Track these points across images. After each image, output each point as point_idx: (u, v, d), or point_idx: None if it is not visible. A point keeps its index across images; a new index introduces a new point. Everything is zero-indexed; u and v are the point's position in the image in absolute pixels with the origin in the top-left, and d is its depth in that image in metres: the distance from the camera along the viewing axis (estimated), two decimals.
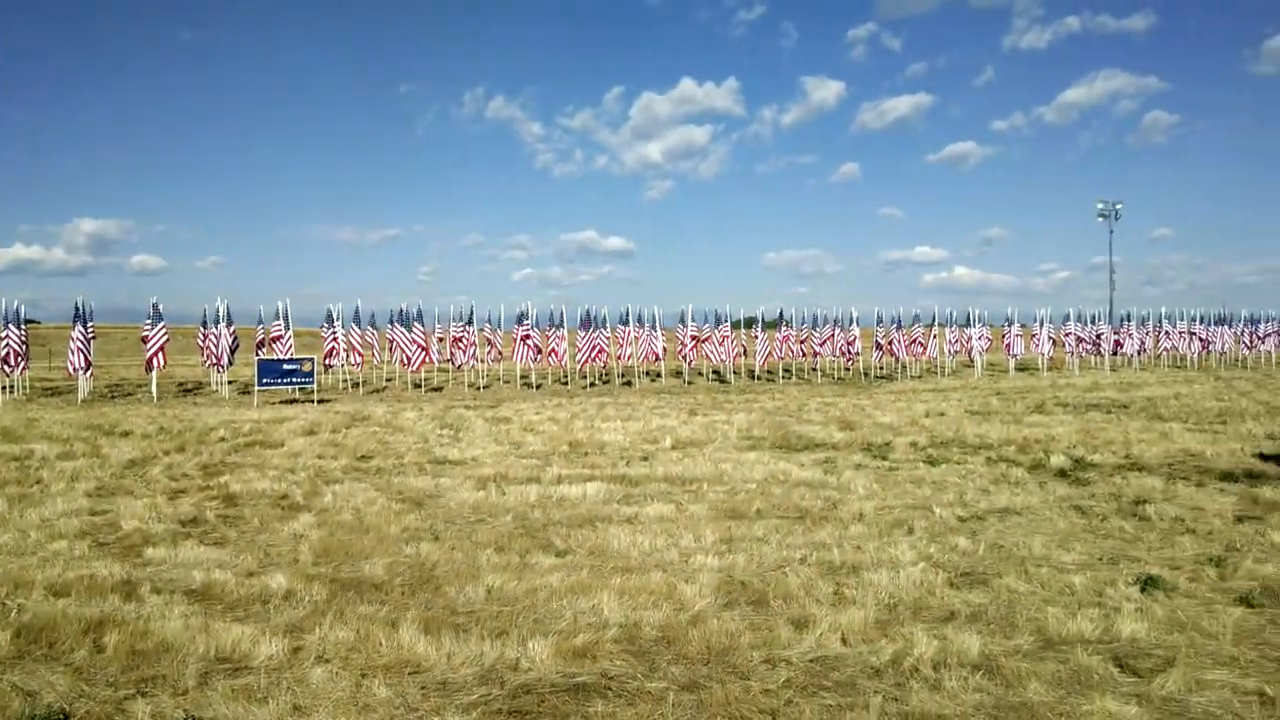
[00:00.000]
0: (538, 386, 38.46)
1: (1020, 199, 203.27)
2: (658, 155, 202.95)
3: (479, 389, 37.29)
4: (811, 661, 6.61)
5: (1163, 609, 7.64)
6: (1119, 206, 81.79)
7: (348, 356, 38.31)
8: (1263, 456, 16.48)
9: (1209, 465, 15.55)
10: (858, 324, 44.85)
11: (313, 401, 32.04)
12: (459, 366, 38.88)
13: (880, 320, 45.31)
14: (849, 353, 44.17)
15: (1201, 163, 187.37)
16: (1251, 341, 53.74)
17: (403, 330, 36.84)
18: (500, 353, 40.30)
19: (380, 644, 7.02)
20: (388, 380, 41.82)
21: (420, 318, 37.02)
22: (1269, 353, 54.39)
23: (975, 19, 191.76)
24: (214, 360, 36.64)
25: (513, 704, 5.98)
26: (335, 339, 37.47)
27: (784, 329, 43.13)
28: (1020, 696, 5.93)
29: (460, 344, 37.52)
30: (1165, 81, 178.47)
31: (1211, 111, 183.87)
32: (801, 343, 43.47)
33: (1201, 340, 52.66)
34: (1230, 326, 54.05)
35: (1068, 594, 8.18)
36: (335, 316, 37.91)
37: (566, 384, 39.03)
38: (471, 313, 38.20)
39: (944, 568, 9.04)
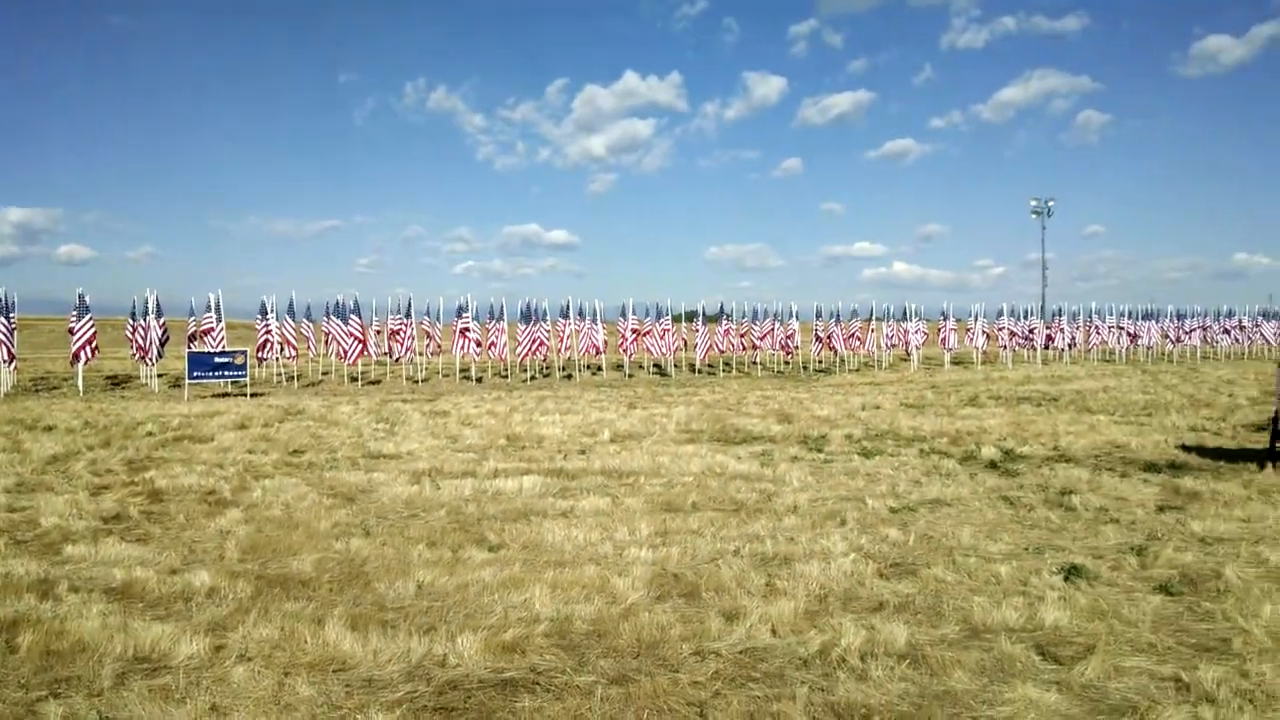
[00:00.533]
0: (478, 380, 38.16)
1: (958, 196, 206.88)
2: (601, 148, 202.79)
3: (417, 382, 36.87)
4: (741, 653, 6.63)
5: (1085, 597, 7.81)
6: (1051, 204, 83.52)
7: (282, 349, 37.61)
8: (1185, 448, 16.94)
9: (1134, 456, 15.94)
10: (797, 318, 45.21)
11: (245, 395, 31.42)
12: (397, 360, 38.40)
13: (820, 314, 45.75)
14: (789, 346, 44.50)
15: (1132, 162, 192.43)
16: (1177, 336, 55.27)
17: (339, 323, 36.27)
18: (439, 346, 39.89)
19: (305, 641, 6.90)
20: (324, 374, 41.17)
21: (358, 310, 36.46)
22: (1194, 347, 56.01)
23: (914, 17, 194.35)
24: (143, 353, 35.72)
25: (439, 700, 5.91)
26: (269, 331, 36.75)
27: (725, 323, 43.32)
28: (944, 685, 6.01)
29: (398, 337, 37.05)
30: (1097, 82, 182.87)
31: (1141, 112, 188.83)
32: (742, 336, 43.70)
33: (1130, 335, 54.01)
34: (1157, 321, 55.53)
35: (994, 583, 8.32)
36: (270, 308, 37.18)
37: (506, 377, 38.79)
38: (409, 305, 37.77)
39: (874, 558, 9.14)
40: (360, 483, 13.61)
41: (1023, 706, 5.63)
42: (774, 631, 7.05)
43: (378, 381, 37.98)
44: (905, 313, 48.06)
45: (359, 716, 5.67)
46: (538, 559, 9.22)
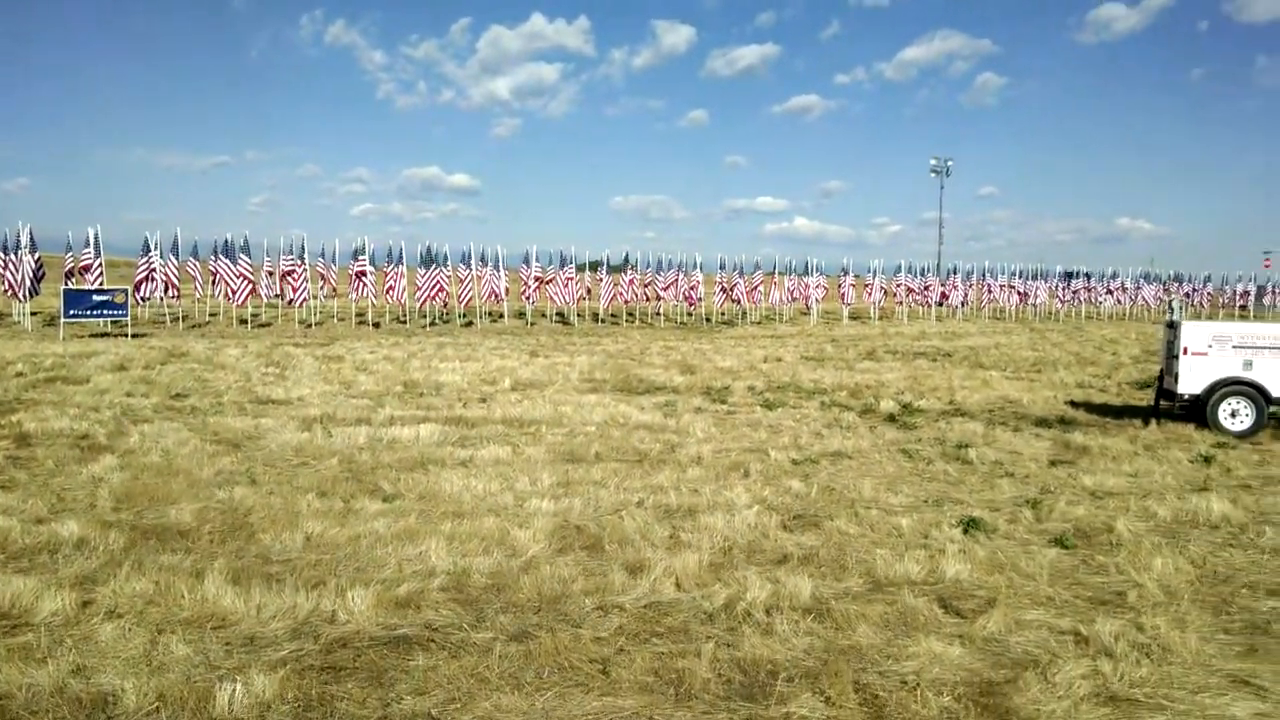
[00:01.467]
0: (375, 325, 37.15)
1: (859, 153, 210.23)
2: (505, 92, 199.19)
3: (310, 326, 35.73)
4: (645, 607, 6.45)
5: (984, 550, 7.86)
6: (950, 163, 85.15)
7: (166, 290, 35.87)
8: (1073, 404, 17.44)
9: (1026, 412, 16.33)
10: (701, 269, 45.23)
11: (126, 336, 29.89)
12: (290, 303, 37.08)
13: (723, 266, 45.85)
14: (692, 298, 44.53)
15: (1026, 125, 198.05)
16: (1064, 296, 57.27)
17: (227, 262, 34.77)
18: (334, 289, 38.68)
19: (182, 596, 6.45)
20: (211, 315, 39.52)
21: (247, 250, 35.03)
22: (1079, 307, 58.15)
23: None
24: (15, 290, 33.64)
25: (326, 659, 5.57)
26: (151, 269, 34.95)
27: (629, 273, 43.05)
28: (849, 639, 5.93)
29: (291, 279, 35.73)
30: (997, 45, 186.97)
31: (1038, 76, 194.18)
32: (646, 286, 43.53)
33: (1020, 294, 55.74)
34: (1046, 281, 57.43)
35: (895, 536, 8.33)
36: (153, 245, 35.33)
37: (405, 323, 37.88)
38: (304, 246, 36.41)
39: (778, 510, 9.07)
40: (247, 429, 12.98)
41: (927, 661, 5.58)
42: (678, 585, 6.89)
43: (268, 324, 36.66)
44: (806, 267, 48.54)
45: (238, 677, 5.28)
46: (435, 510, 8.88)
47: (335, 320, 38.34)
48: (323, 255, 38.02)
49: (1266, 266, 71.64)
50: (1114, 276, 60.38)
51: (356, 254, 36.76)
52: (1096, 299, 59.10)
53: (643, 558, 7.47)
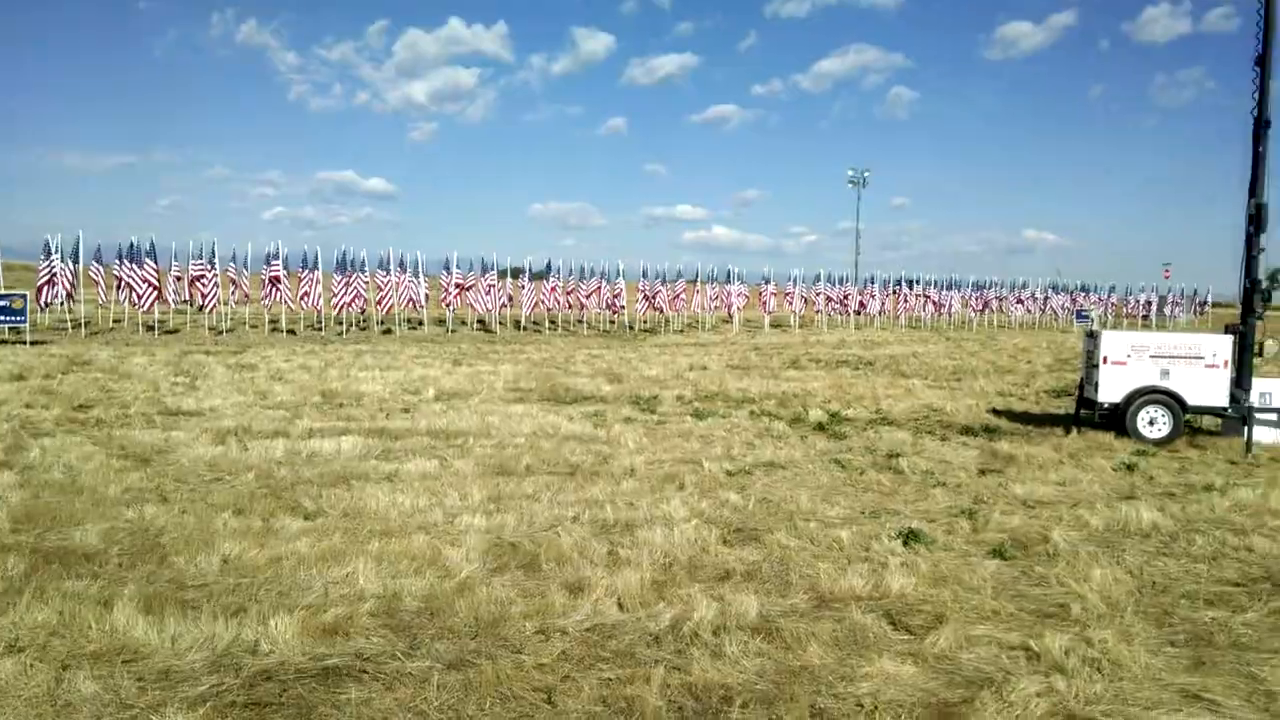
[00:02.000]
0: (289, 332, 36.08)
1: (776, 163, 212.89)
2: (423, 96, 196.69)
3: (222, 333, 34.53)
4: (588, 630, 6.18)
5: (925, 563, 7.79)
6: (867, 174, 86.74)
7: (69, 296, 34.30)
8: (995, 412, 17.70)
9: (950, 420, 16.50)
10: (623, 277, 45.12)
11: (24, 343, 28.45)
12: (200, 309, 35.78)
13: (645, 274, 45.77)
14: (615, 305, 44.35)
15: (937, 138, 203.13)
16: (977, 305, 58.65)
17: (132, 267, 33.39)
18: (247, 295, 37.51)
19: (89, 627, 5.97)
20: (115, 322, 37.93)
21: (153, 254, 33.68)
22: (991, 316, 59.63)
23: None
24: None
25: (250, 694, 5.18)
26: (53, 273, 33.37)
27: (552, 280, 42.68)
28: (801, 660, 5.75)
29: (200, 284, 34.50)
30: (910, 59, 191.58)
31: (948, 90, 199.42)
32: (569, 294, 43.20)
33: (934, 303, 56.90)
34: (959, 291, 58.75)
35: (837, 549, 8.21)
36: (54, 248, 33.72)
37: (321, 330, 36.87)
38: (214, 250, 35.18)
39: (717, 524, 8.88)
40: (156, 442, 12.33)
41: (881, 682, 5.43)
42: (621, 605, 6.64)
43: (176, 331, 35.34)
44: (728, 275, 48.78)
45: (153, 717, 4.87)
46: (360, 528, 8.48)
47: (247, 327, 37.13)
48: (234, 260, 36.84)
49: (1166, 277, 74.48)
50: (1024, 286, 62.07)
51: (270, 259, 35.69)
52: (1008, 308, 60.65)
53: (582, 576, 7.20)
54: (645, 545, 8.07)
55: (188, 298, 36.12)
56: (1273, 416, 14.33)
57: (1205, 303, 71.58)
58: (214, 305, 35.30)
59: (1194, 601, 7.01)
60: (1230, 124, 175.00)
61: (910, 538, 8.50)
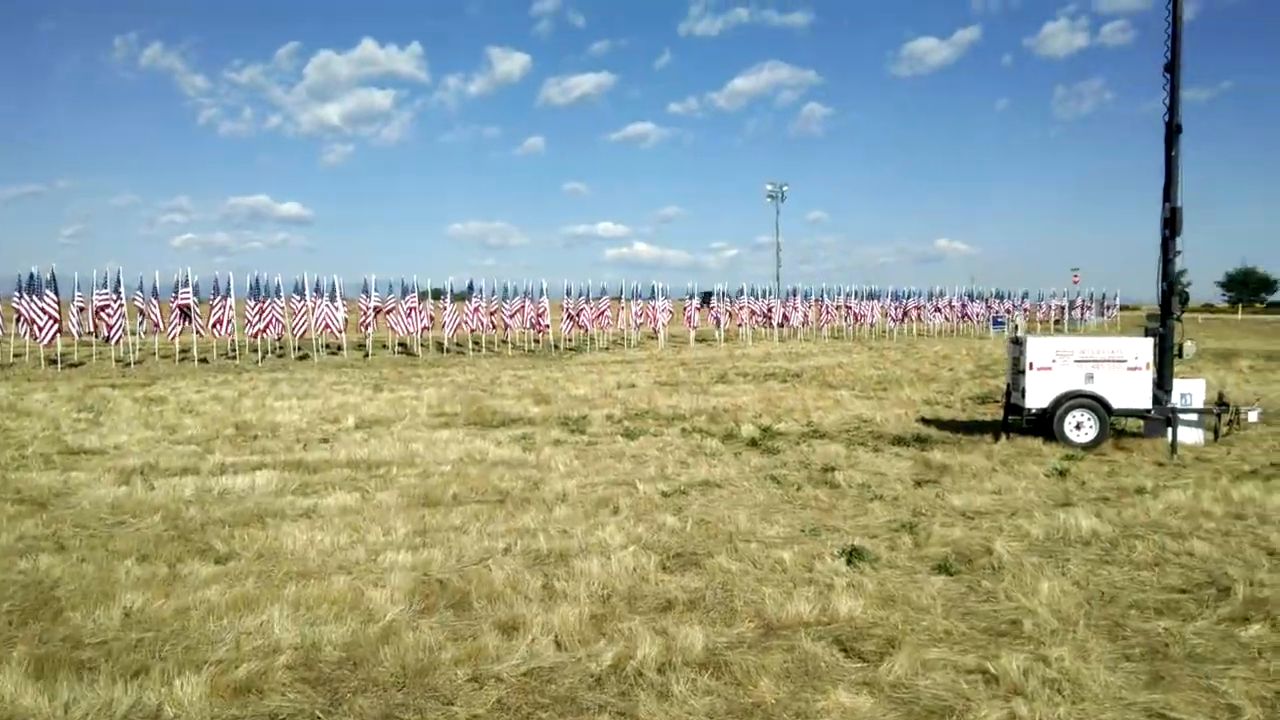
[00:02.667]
0: (202, 361, 34.77)
1: (695, 179, 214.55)
2: (337, 118, 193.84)
3: (129, 365, 33.08)
4: (525, 675, 5.78)
5: (871, 582, 7.56)
6: (785, 189, 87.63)
7: None
8: (924, 421, 17.72)
9: (881, 430, 16.44)
10: (547, 296, 44.62)
11: None
12: (106, 340, 34.27)
13: (569, 292, 45.31)
14: (540, 325, 43.81)
15: (850, 152, 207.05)
16: (896, 315, 59.49)
17: (31, 299, 31.82)
18: (156, 324, 36.06)
19: None
20: (15, 356, 36.14)
21: (54, 285, 32.14)
22: (911, 325, 60.52)
23: (655, 2, 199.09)
24: None
25: None
26: None
27: (474, 300, 41.97)
28: (752, 696, 5.44)
29: (105, 314, 33.03)
30: (822, 76, 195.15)
31: (860, 106, 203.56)
32: (492, 314, 42.52)
33: (855, 314, 57.56)
34: (879, 301, 59.54)
35: (780, 571, 7.94)
36: None
37: (235, 358, 35.60)
38: (119, 279, 33.73)
39: (655, 549, 8.55)
40: (54, 484, 11.53)
41: (839, 716, 5.16)
42: (559, 644, 6.25)
43: (81, 364, 33.78)
44: (652, 291, 48.64)
45: None
46: (276, 571, 7.93)
47: (157, 358, 35.67)
48: (141, 289, 35.40)
49: (1075, 282, 76.62)
50: (941, 295, 63.18)
51: (179, 286, 34.37)
52: (926, 317, 61.65)
53: (516, 614, 6.79)
54: (582, 576, 7.70)
55: (92, 329, 34.58)
56: (1194, 417, 14.56)
57: (1113, 306, 73.93)
58: (120, 336, 33.84)
59: (1143, 611, 6.90)
60: (1129, 132, 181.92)
61: (854, 556, 8.28)
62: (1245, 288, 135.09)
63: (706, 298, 54.21)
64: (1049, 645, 6.12)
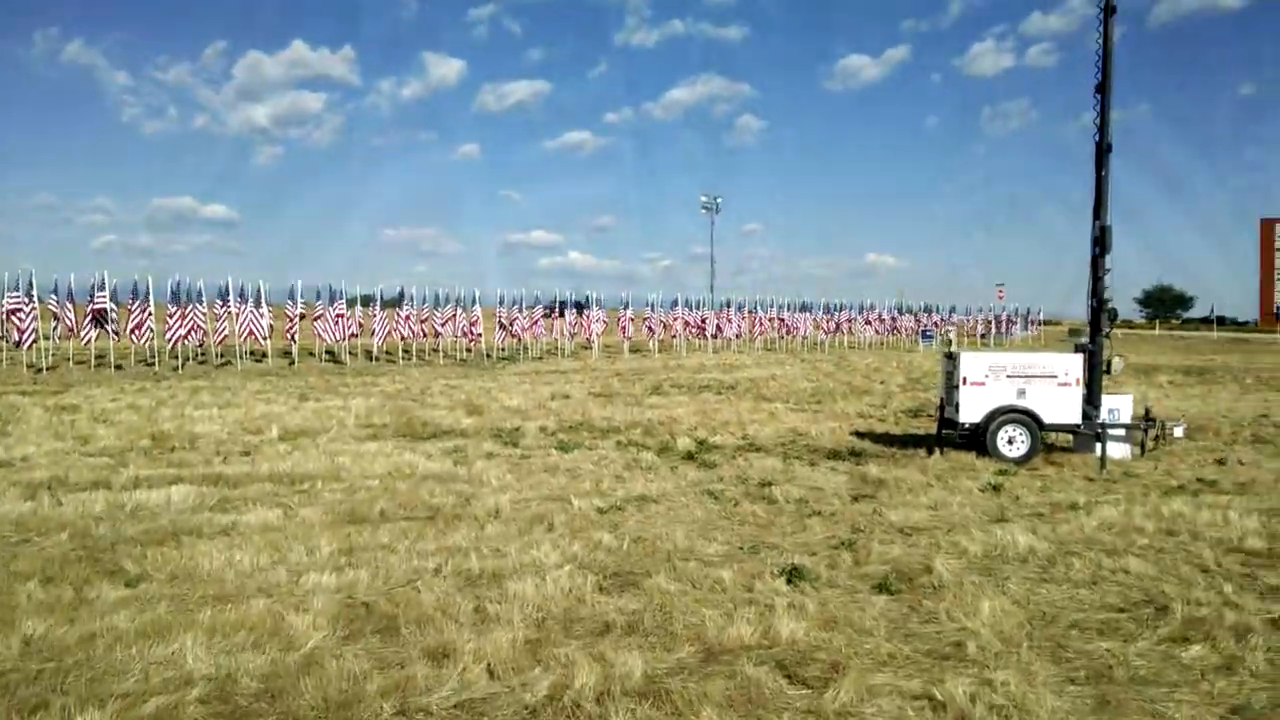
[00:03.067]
0: (118, 368, 33.54)
1: (630, 189, 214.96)
2: (265, 120, 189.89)
3: (40, 371, 31.77)
4: (455, 707, 5.49)
5: (813, 602, 7.40)
6: (719, 200, 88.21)
7: None
8: (858, 434, 17.75)
9: (816, 444, 16.41)
10: (480, 304, 44.15)
11: None
12: (17, 345, 32.87)
13: (502, 301, 44.85)
14: (472, 333, 43.26)
15: (785, 166, 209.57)
16: (828, 327, 60.15)
17: None
18: (71, 329, 34.72)
19: None
20: None
21: None
22: (842, 337, 61.23)
23: (591, 11, 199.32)
24: None
25: None
26: None
27: (405, 308, 41.26)
28: None
29: (16, 318, 31.68)
30: (756, 89, 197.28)
31: (794, 120, 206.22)
32: (423, 322, 41.86)
33: (787, 326, 58.03)
34: (810, 313, 60.14)
35: (719, 591, 7.75)
36: None
37: (153, 365, 34.41)
38: (31, 281, 32.41)
39: (591, 569, 8.30)
40: None
41: None
42: (492, 673, 5.97)
43: None
44: (587, 300, 48.39)
45: None
46: (190, 594, 7.51)
47: (70, 364, 34.33)
48: (55, 292, 34.06)
49: (1000, 297, 78.39)
50: (871, 308, 64.07)
51: (95, 290, 33.15)
52: (857, 330, 62.43)
53: (446, 640, 6.48)
54: (515, 599, 7.41)
55: (2, 334, 33.16)
56: (1122, 432, 14.78)
57: (1036, 320, 75.77)
58: (32, 341, 32.50)
59: (1084, 632, 6.85)
60: (1053, 150, 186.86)
61: (794, 575, 8.12)
62: (1163, 305, 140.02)
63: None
64: (994, 668, 6.01)
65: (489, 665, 6.06)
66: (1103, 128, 14.73)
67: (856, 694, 5.62)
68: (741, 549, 9.22)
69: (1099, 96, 14.79)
